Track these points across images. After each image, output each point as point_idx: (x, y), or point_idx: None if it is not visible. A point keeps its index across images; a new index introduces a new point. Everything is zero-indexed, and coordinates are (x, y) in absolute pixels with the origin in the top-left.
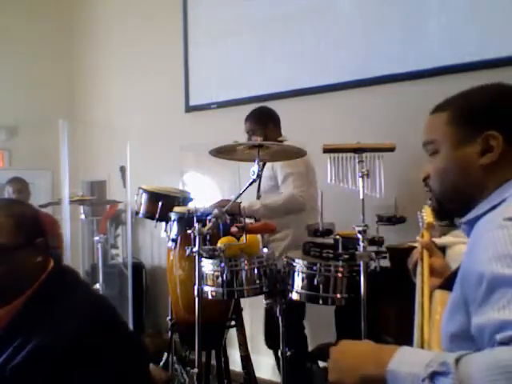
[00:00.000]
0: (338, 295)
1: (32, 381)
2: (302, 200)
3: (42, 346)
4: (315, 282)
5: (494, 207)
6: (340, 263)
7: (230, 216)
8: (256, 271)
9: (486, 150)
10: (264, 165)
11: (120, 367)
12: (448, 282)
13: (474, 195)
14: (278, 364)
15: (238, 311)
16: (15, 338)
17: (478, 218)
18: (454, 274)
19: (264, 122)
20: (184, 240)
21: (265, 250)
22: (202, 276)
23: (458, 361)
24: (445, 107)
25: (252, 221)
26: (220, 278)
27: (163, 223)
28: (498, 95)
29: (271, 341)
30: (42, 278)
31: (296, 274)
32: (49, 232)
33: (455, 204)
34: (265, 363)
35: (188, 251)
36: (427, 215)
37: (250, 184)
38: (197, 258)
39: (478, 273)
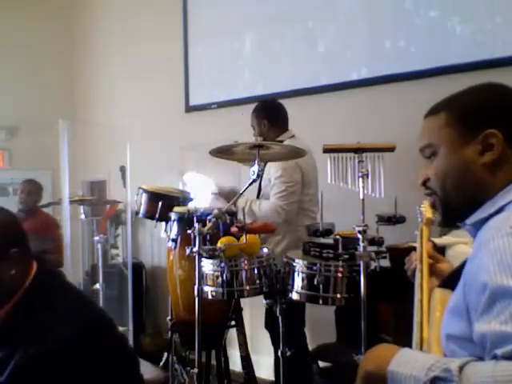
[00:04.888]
0: (338, 295)
1: None
2: (283, 213)
3: (29, 357)
4: (315, 282)
5: (499, 210)
6: (340, 263)
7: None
8: (256, 271)
9: (486, 149)
10: (265, 164)
11: (109, 371)
12: (448, 280)
13: (478, 195)
14: (275, 363)
15: (238, 311)
16: (1, 350)
17: (483, 220)
18: (454, 272)
19: (258, 117)
20: (184, 240)
21: (265, 250)
22: (202, 276)
23: (461, 369)
24: (440, 109)
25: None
26: (220, 278)
27: (163, 223)
28: (494, 94)
29: (270, 323)
30: (24, 286)
31: (296, 273)
32: (44, 234)
33: (460, 205)
34: (265, 363)
35: (188, 251)
36: (426, 210)
37: (250, 184)
38: (197, 258)
39: (481, 281)
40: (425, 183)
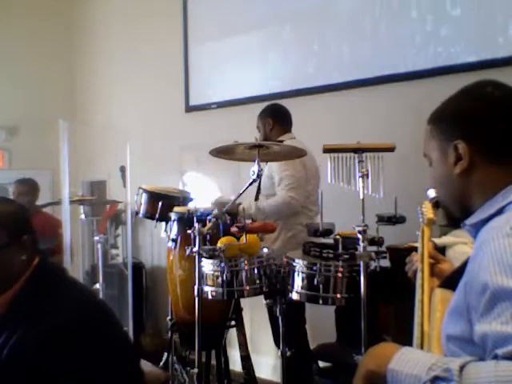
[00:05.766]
0: (338, 295)
1: (16, 377)
2: (295, 203)
3: (23, 344)
4: (315, 282)
5: (499, 211)
6: (340, 263)
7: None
8: (256, 271)
9: (458, 159)
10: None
11: (104, 362)
12: (448, 280)
13: (465, 202)
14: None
15: (238, 311)
16: (1, 335)
17: (483, 221)
18: (455, 272)
19: (264, 117)
20: (184, 240)
21: (265, 250)
22: (201, 276)
23: (461, 368)
24: (429, 120)
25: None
26: (220, 278)
27: (163, 223)
28: (459, 103)
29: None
30: (26, 275)
31: (296, 273)
32: (47, 232)
33: (456, 211)
34: (265, 363)
35: (188, 251)
36: (427, 211)
37: (250, 184)
38: (197, 258)
39: (482, 281)
40: None
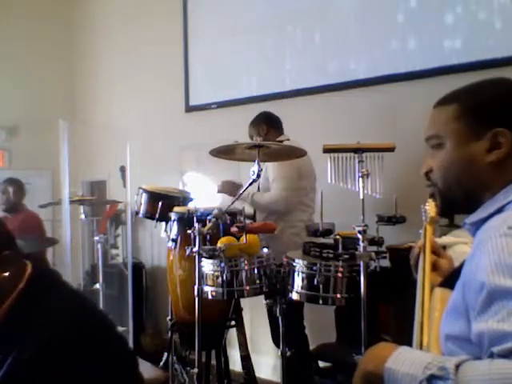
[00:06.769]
0: (338, 295)
1: None
2: (285, 201)
3: (20, 360)
4: (315, 282)
5: (499, 210)
6: (340, 263)
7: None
8: (256, 271)
9: (494, 147)
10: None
11: (103, 372)
12: (448, 280)
13: (479, 192)
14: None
15: (238, 311)
16: None
17: (483, 220)
18: (455, 272)
19: (257, 123)
20: (184, 240)
21: (265, 250)
22: (201, 276)
23: (457, 367)
24: (451, 101)
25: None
26: (220, 278)
27: (163, 223)
28: (506, 91)
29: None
30: (18, 288)
31: (296, 273)
32: (26, 231)
33: (459, 198)
34: (265, 363)
35: (188, 251)
36: (431, 209)
37: (250, 184)
38: (197, 258)
39: (479, 281)
40: (427, 173)
